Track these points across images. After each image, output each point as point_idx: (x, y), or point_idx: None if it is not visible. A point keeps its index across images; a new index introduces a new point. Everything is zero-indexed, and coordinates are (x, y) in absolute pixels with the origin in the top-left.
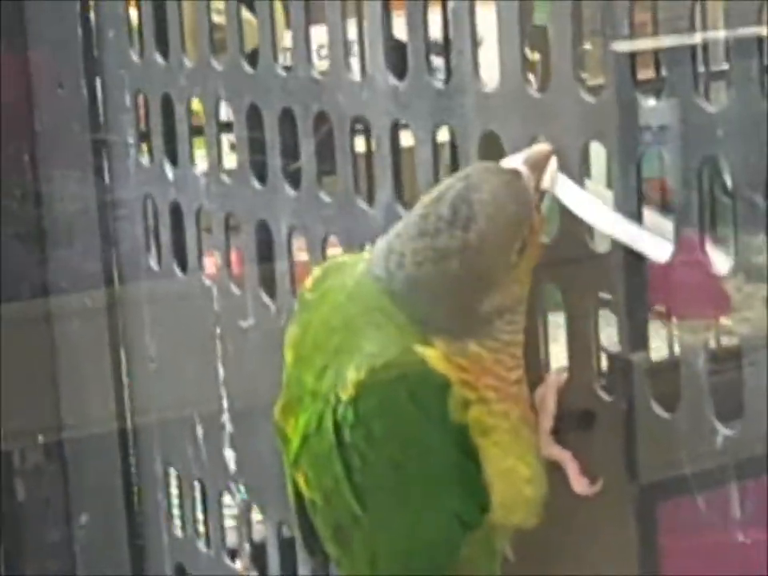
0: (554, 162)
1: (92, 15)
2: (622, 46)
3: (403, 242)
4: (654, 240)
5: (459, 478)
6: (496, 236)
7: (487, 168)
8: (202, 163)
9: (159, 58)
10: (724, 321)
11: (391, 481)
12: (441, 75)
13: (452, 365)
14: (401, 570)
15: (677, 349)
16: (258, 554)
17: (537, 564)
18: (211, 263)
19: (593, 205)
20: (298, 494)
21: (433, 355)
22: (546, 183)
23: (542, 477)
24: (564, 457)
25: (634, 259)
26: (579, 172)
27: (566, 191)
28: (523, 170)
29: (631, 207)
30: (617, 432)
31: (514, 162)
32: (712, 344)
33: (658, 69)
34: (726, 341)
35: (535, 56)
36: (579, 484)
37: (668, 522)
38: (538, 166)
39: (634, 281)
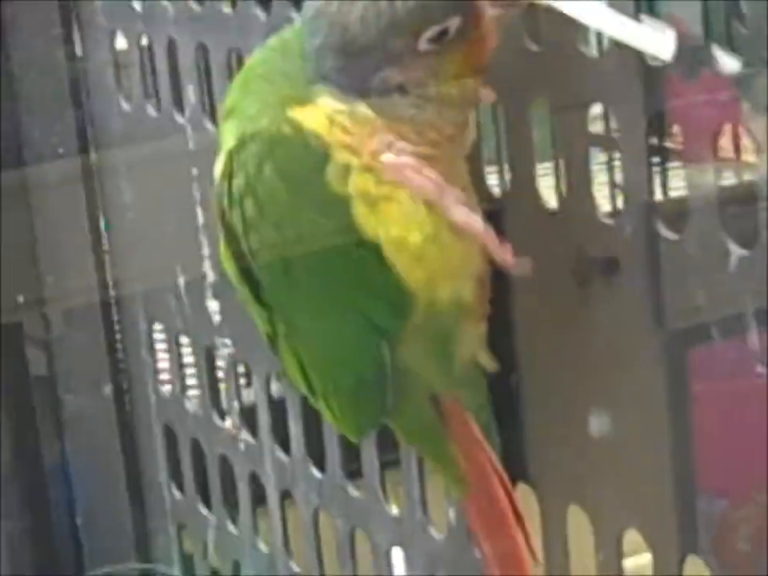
0: None
1: None
2: None
3: None
4: (656, 35)
5: (352, 260)
6: (397, 14)
7: None
8: None
9: None
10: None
11: (281, 273)
12: None
13: (335, 126)
14: (329, 382)
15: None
16: (247, 412)
17: (566, 415)
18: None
19: (587, 4)
20: None
21: (311, 116)
22: None
23: (456, 244)
24: (475, 227)
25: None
26: None
27: None
28: None
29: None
30: (646, 278)
31: None
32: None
33: None
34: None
35: None
36: (505, 259)
37: (698, 366)
38: None
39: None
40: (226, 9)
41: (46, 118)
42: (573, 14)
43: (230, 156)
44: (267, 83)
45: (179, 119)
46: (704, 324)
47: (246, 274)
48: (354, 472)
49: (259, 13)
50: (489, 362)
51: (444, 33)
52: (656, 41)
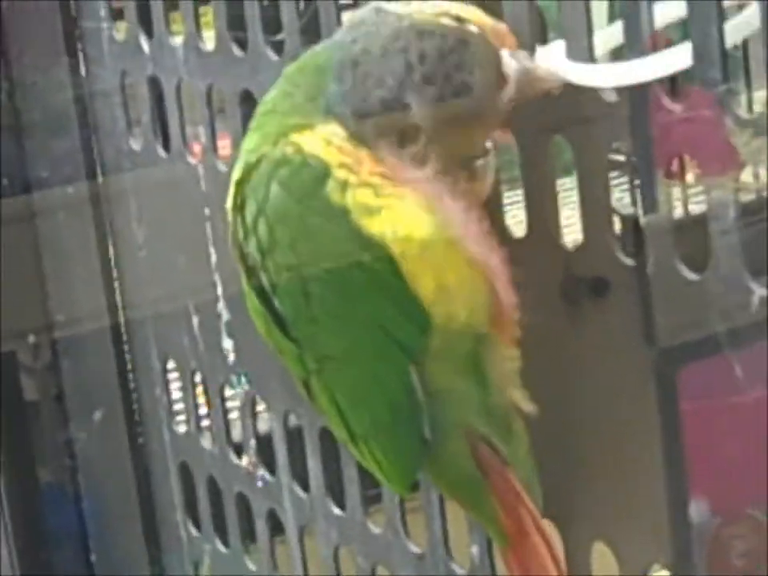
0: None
1: None
2: None
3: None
4: (670, 56)
5: (367, 275)
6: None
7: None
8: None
9: None
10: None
11: (302, 299)
12: None
13: (332, 147)
14: (365, 416)
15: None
16: (264, 448)
17: (555, 435)
18: (197, 147)
19: (599, 71)
20: None
21: (309, 140)
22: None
23: (472, 267)
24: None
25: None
26: None
27: (571, 72)
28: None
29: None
30: (635, 297)
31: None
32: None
33: None
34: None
35: None
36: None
37: (688, 385)
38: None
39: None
40: (237, 50)
41: (52, 147)
42: (589, 83)
43: (238, 187)
44: (273, 117)
45: (190, 160)
46: (693, 342)
47: (272, 312)
48: (372, 498)
49: (270, 53)
50: (525, 403)
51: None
52: (673, 60)
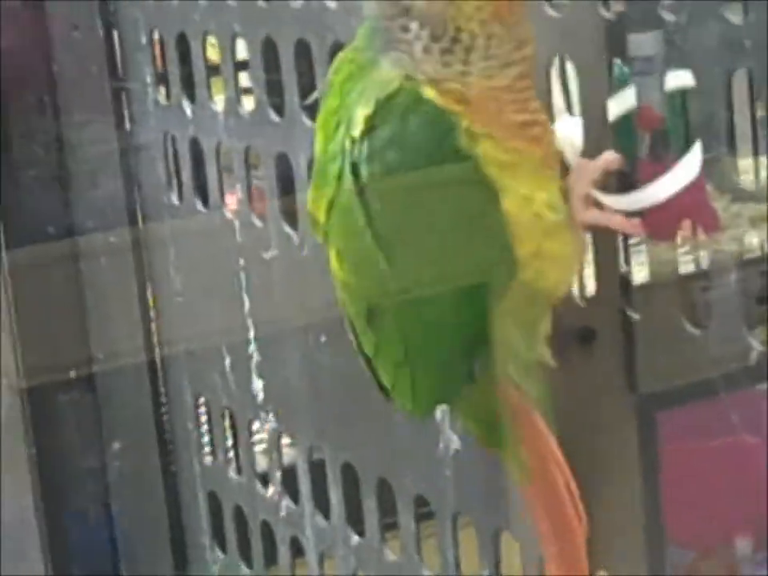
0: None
1: None
2: None
3: None
4: (681, 170)
5: (478, 214)
6: None
7: None
8: (219, 102)
9: None
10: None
11: (412, 221)
12: None
13: (448, 100)
14: (431, 355)
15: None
16: (289, 479)
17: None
18: (232, 200)
19: (623, 199)
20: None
21: (431, 93)
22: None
23: (575, 241)
24: (603, 217)
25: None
26: None
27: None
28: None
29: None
30: (619, 347)
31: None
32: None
33: None
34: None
35: None
36: (631, 227)
37: (669, 430)
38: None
39: None
40: (274, 116)
41: (96, 197)
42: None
43: (377, 108)
44: (373, 75)
45: (227, 214)
46: (673, 389)
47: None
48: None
49: (305, 119)
50: (550, 359)
51: None
52: (685, 172)
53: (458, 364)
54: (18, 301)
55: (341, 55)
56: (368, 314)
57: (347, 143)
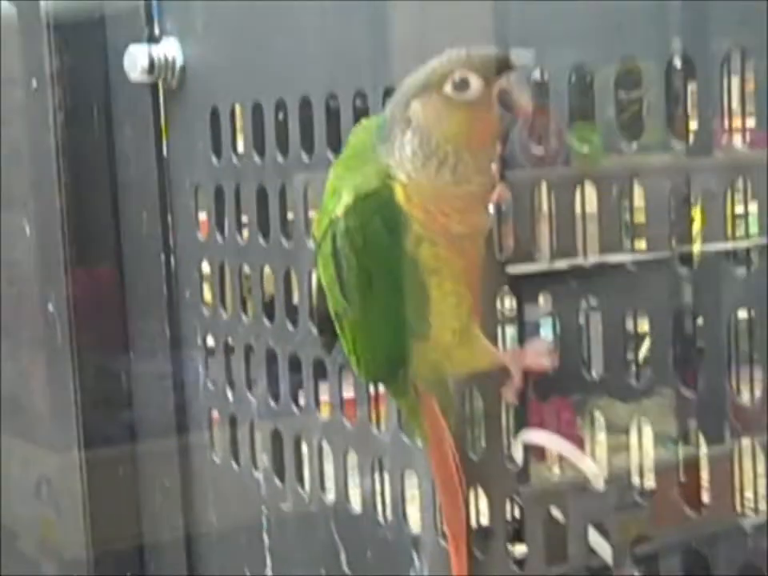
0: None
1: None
2: None
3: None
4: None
5: (413, 293)
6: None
7: None
8: None
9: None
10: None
11: (365, 282)
12: None
13: (411, 202)
14: (370, 354)
15: None
16: None
17: None
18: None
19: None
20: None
21: (399, 190)
22: None
23: (478, 350)
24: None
25: None
26: None
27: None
28: None
29: None
30: None
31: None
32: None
33: None
34: None
35: None
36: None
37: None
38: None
39: None
40: None
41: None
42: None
43: (356, 201)
44: (360, 161)
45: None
46: None
47: (340, 280)
48: None
49: None
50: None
51: (465, 84)
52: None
53: (389, 366)
54: None
55: (363, 121)
56: (335, 314)
57: (334, 215)
